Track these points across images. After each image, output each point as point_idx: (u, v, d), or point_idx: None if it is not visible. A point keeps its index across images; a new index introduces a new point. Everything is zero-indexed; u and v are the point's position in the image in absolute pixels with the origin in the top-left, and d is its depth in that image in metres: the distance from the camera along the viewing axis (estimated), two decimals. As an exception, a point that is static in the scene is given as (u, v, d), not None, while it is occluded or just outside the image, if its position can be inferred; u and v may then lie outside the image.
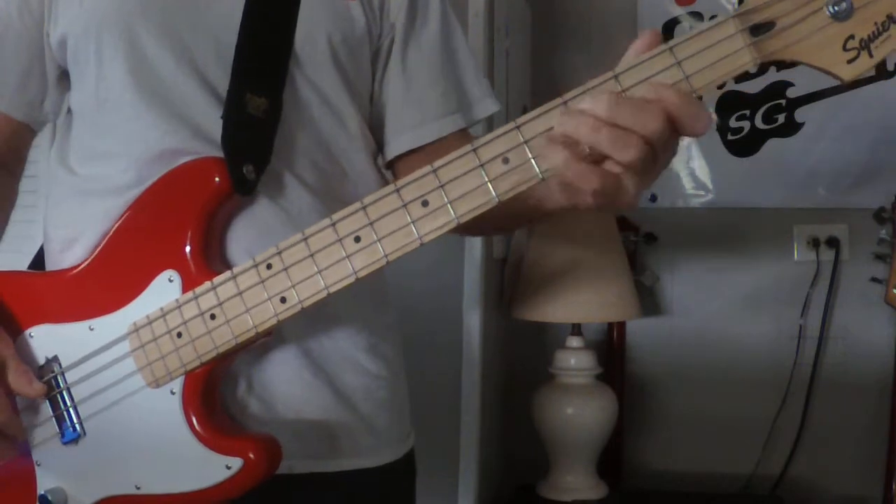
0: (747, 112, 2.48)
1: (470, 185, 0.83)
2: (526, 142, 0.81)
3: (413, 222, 0.86)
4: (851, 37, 0.78)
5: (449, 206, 0.84)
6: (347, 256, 0.88)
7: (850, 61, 0.78)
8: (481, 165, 0.83)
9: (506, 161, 0.82)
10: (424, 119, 1.10)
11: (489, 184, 0.83)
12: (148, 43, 1.00)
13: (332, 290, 0.89)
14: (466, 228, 1.10)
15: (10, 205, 1.17)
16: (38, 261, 1.12)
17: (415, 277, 1.61)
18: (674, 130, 0.77)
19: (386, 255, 0.87)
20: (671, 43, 0.79)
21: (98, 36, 1.02)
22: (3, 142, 1.13)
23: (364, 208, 0.87)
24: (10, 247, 1.16)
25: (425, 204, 0.85)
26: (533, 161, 0.81)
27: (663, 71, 0.78)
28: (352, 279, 0.88)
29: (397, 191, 0.86)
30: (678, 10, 2.52)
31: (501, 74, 2.15)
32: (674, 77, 0.78)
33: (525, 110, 2.78)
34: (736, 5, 2.47)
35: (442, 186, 0.84)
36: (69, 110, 1.11)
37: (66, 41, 1.05)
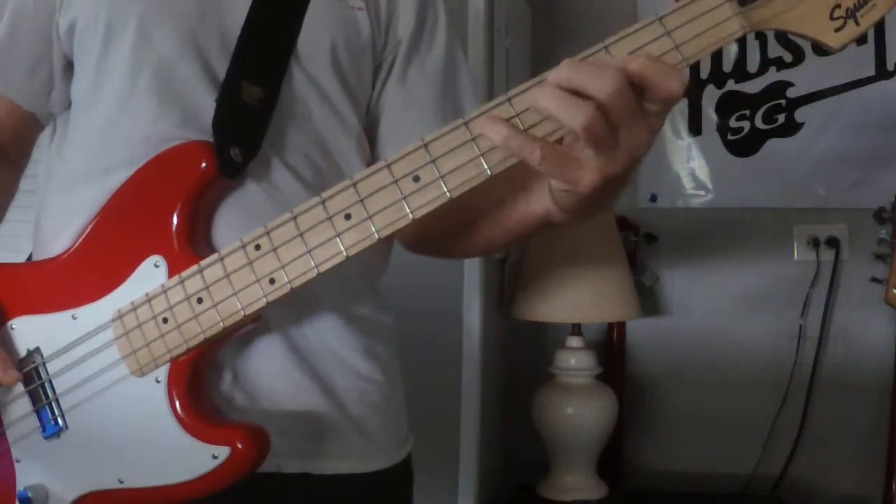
0: (747, 112, 2.48)
1: (462, 159, 0.83)
2: (518, 115, 0.81)
3: (404, 198, 0.85)
4: (838, 6, 0.79)
5: (441, 180, 0.84)
6: (337, 234, 0.87)
7: (837, 30, 0.79)
8: (473, 139, 0.82)
9: None
10: (420, 136, 1.10)
11: (481, 157, 0.82)
12: (155, 27, 1.00)
13: (322, 269, 0.88)
14: (456, 243, 1.08)
15: (9, 198, 1.17)
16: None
17: (414, 277, 1.60)
18: (643, 98, 0.76)
19: (377, 232, 0.86)
20: (660, 13, 0.79)
21: (108, 17, 1.02)
22: (11, 132, 1.13)
23: (354, 185, 0.86)
24: (9, 246, 1.16)
25: (417, 179, 0.84)
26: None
27: (653, 41, 0.78)
28: (341, 258, 0.87)
29: (388, 166, 0.85)
30: (678, 10, 2.51)
31: (501, 74, 2.14)
32: (663, 47, 0.78)
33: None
34: (736, 5, 2.47)
35: (434, 161, 0.84)
36: (70, 104, 1.11)
37: (75, 25, 1.05)
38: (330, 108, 1.05)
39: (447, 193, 0.84)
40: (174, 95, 1.00)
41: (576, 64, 0.77)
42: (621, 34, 0.79)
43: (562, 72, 0.77)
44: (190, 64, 1.00)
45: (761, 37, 2.44)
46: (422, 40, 1.11)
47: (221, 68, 1.01)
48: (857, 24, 0.79)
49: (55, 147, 1.10)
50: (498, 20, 2.12)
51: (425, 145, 0.84)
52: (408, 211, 0.85)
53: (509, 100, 0.81)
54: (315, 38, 1.04)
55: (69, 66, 1.09)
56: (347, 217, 0.87)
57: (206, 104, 0.99)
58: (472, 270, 2.04)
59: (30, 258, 1.12)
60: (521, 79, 2.61)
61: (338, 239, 0.87)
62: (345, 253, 0.87)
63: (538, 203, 0.93)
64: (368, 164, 1.09)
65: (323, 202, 0.87)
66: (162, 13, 1.01)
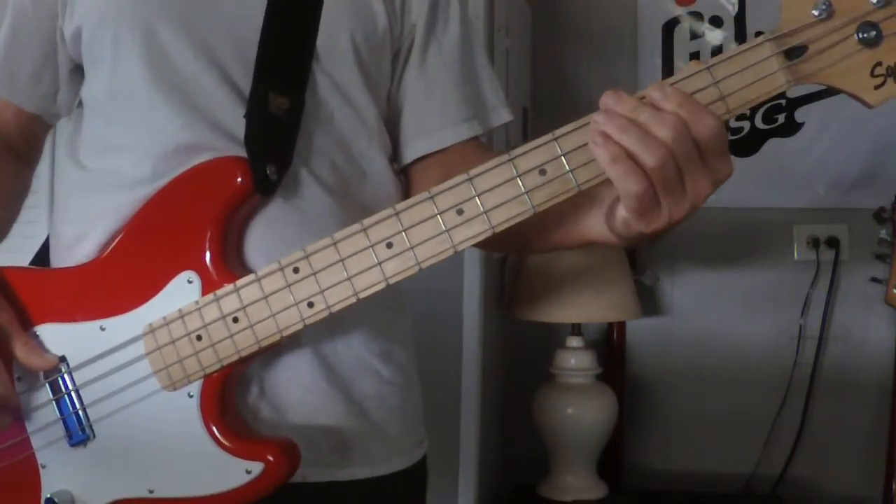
0: (747, 112, 2.48)
1: (506, 196, 0.84)
2: (564, 154, 0.82)
3: (448, 230, 0.86)
4: (879, 63, 0.81)
5: (485, 215, 0.85)
6: (379, 263, 0.88)
7: (877, 87, 0.81)
8: (518, 176, 0.84)
9: (542, 172, 0.83)
10: (445, 123, 1.09)
11: (526, 195, 0.84)
12: (166, 36, 0.99)
13: (362, 295, 0.89)
14: (491, 244, 1.09)
15: (24, 195, 1.16)
16: (41, 258, 1.11)
17: (414, 277, 1.60)
18: (696, 145, 0.78)
19: (419, 263, 0.88)
20: (709, 63, 0.81)
21: (115, 27, 1.00)
22: (18, 133, 1.12)
23: (397, 214, 0.87)
24: (11, 246, 1.15)
25: (460, 212, 0.86)
26: (571, 174, 0.83)
27: (701, 90, 0.80)
28: (382, 286, 0.89)
29: (431, 198, 0.86)
30: (678, 10, 2.51)
31: (501, 74, 2.14)
32: (710, 96, 0.80)
33: (525, 111, 2.76)
34: (736, 6, 2.47)
35: (478, 195, 0.85)
36: (80, 104, 1.10)
37: (81, 32, 1.03)
38: (351, 108, 1.04)
39: (491, 228, 0.85)
40: (196, 106, 0.98)
41: (637, 104, 0.79)
42: (670, 82, 0.81)
43: (626, 107, 0.78)
44: (208, 73, 0.99)
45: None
46: (437, 21, 1.10)
47: (240, 76, 0.99)
48: None
49: (66, 149, 1.08)
50: (498, 20, 2.12)
51: (470, 179, 0.85)
52: (451, 244, 0.87)
53: (556, 139, 0.83)
54: (335, 36, 1.02)
55: (76, 69, 1.08)
56: (389, 246, 0.88)
57: (231, 115, 0.98)
58: (472, 270, 2.04)
59: (35, 259, 1.11)
60: (521, 79, 2.60)
61: (379, 267, 0.88)
62: (386, 281, 0.89)
63: (591, 227, 0.92)
64: (389, 158, 1.09)
65: (364, 230, 0.88)
66: (169, 21, 0.99)
